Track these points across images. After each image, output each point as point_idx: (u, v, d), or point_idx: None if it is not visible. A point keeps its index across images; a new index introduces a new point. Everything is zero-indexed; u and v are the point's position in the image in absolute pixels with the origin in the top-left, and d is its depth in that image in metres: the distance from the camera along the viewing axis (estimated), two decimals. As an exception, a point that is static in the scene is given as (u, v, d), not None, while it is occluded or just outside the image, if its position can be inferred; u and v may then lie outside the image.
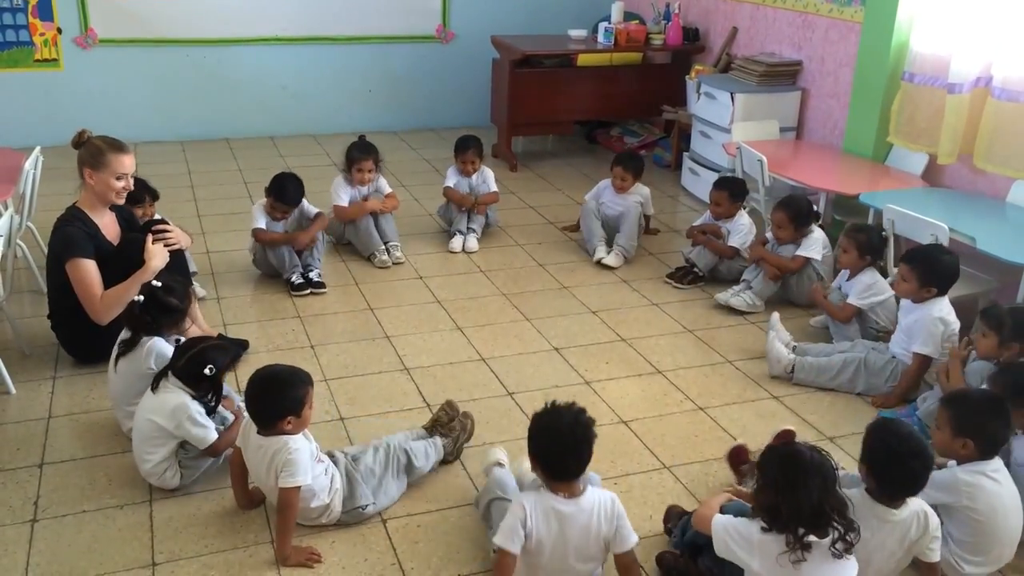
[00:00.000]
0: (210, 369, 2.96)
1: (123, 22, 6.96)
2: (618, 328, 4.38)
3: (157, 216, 4.34)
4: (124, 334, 3.23)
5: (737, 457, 3.16)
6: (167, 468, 2.99)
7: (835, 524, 2.22)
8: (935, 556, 2.52)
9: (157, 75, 7.19)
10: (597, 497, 2.47)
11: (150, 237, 3.69)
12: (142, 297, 3.17)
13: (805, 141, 6.02)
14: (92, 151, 3.63)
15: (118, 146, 3.67)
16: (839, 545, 2.23)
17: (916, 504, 2.50)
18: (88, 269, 3.55)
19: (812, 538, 2.22)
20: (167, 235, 3.78)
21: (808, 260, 4.50)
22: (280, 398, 2.71)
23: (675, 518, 2.86)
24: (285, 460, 2.68)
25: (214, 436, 2.98)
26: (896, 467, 2.46)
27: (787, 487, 2.21)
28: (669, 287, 4.84)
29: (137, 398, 3.10)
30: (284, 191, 4.64)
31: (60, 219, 3.67)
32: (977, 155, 4.62)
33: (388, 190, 5.27)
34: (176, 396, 2.95)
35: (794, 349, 3.98)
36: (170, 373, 2.99)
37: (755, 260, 4.59)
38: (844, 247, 4.09)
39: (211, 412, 3.06)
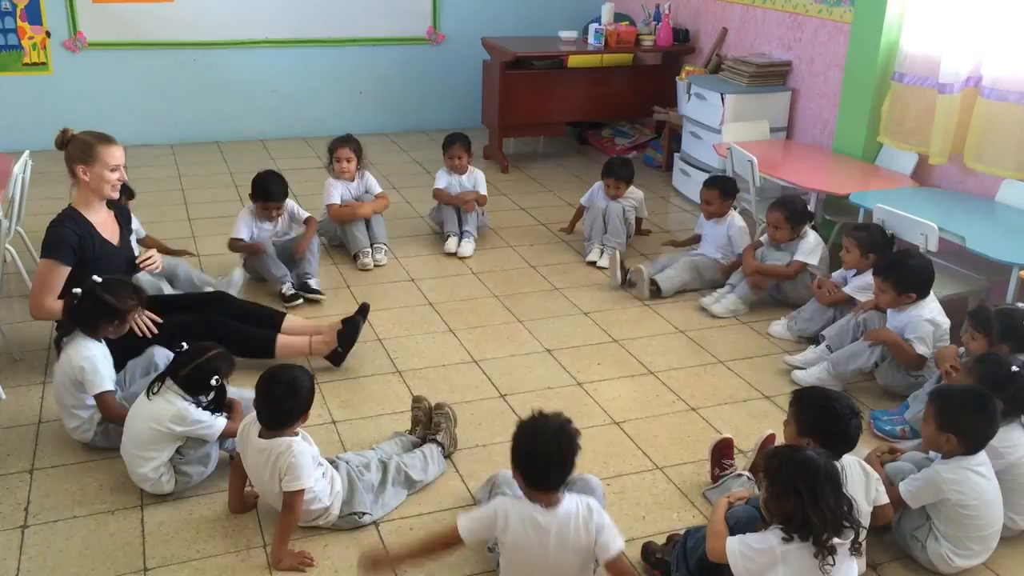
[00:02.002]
0: (216, 380, 2.99)
1: (112, 25, 6.94)
2: (610, 329, 4.38)
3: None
4: (62, 329, 3.22)
5: (721, 451, 3.14)
6: (163, 473, 2.98)
7: (851, 524, 2.25)
8: (884, 497, 2.65)
9: (146, 78, 7.18)
10: (574, 505, 2.43)
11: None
12: (79, 291, 3.16)
13: (795, 141, 6.04)
14: (81, 147, 3.59)
15: (106, 138, 3.65)
16: (856, 544, 2.27)
17: (847, 456, 2.61)
18: (55, 274, 3.49)
19: (836, 540, 2.22)
20: (149, 261, 3.83)
21: (805, 265, 4.50)
22: (301, 398, 2.75)
23: (656, 554, 2.77)
24: (288, 464, 2.68)
25: (222, 424, 3.02)
26: (841, 426, 2.57)
27: (811, 496, 2.19)
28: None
29: (71, 400, 3.15)
30: (268, 188, 4.68)
31: (54, 220, 3.63)
32: (967, 155, 4.64)
33: (378, 190, 5.31)
34: (174, 404, 2.93)
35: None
36: (168, 379, 2.97)
37: (751, 273, 4.53)
38: (847, 247, 4.10)
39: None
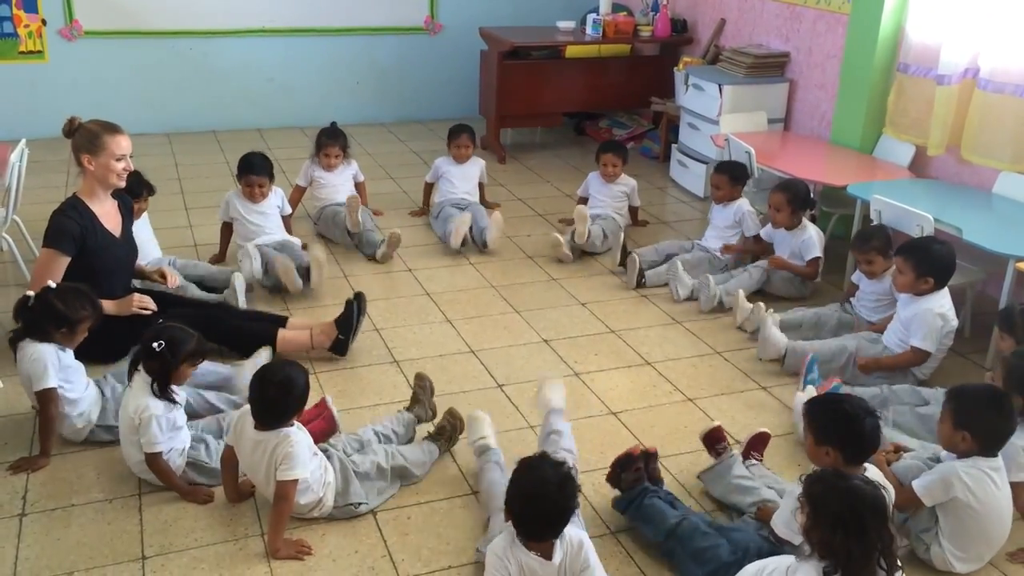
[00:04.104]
0: (159, 344, 2.89)
1: (108, 13, 6.91)
2: (607, 320, 4.38)
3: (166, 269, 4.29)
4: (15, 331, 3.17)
5: (712, 438, 3.12)
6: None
7: (889, 562, 2.09)
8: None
9: (143, 67, 7.15)
10: (568, 543, 2.38)
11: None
12: (32, 293, 3.13)
13: (793, 132, 6.04)
14: (87, 136, 3.57)
15: (113, 127, 3.63)
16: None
17: (869, 469, 2.58)
18: (55, 263, 3.50)
19: None
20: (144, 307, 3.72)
21: (819, 259, 4.52)
22: (298, 397, 2.76)
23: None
24: (285, 453, 2.68)
25: (158, 450, 2.90)
26: (855, 427, 2.54)
27: (856, 528, 2.05)
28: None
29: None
30: (250, 161, 4.73)
31: (57, 208, 3.62)
32: (964, 147, 4.65)
33: (362, 178, 5.43)
34: (143, 397, 2.90)
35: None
36: (140, 365, 2.95)
37: (779, 267, 4.54)
38: (868, 259, 4.01)
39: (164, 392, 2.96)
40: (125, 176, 3.68)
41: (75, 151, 3.60)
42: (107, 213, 3.70)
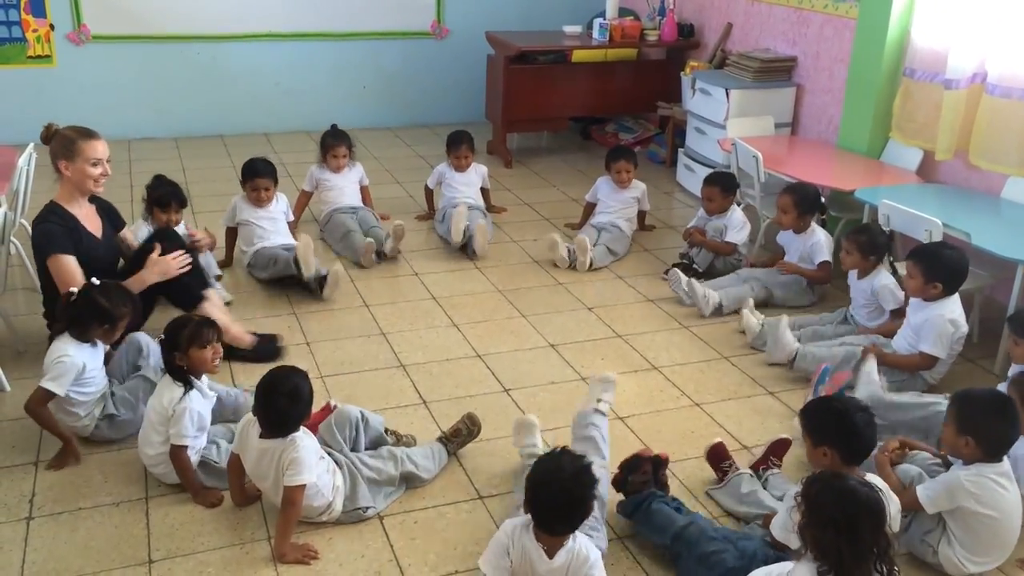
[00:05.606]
0: (158, 338, 3.00)
1: (116, 18, 6.94)
2: (614, 324, 4.38)
3: (183, 228, 4.33)
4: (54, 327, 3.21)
5: (716, 455, 3.13)
6: (166, 461, 2.98)
7: (886, 567, 2.09)
8: (895, 525, 2.55)
9: (151, 71, 7.17)
10: (574, 554, 2.38)
11: (158, 248, 3.68)
12: (75, 290, 3.17)
13: (800, 137, 6.03)
14: (63, 142, 3.59)
15: (88, 133, 3.64)
16: None
17: (872, 478, 2.56)
18: (68, 265, 3.51)
19: None
20: (181, 257, 3.72)
21: (829, 263, 4.51)
22: (305, 404, 2.76)
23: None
24: (292, 459, 2.69)
25: (186, 443, 2.93)
26: (847, 424, 2.55)
27: (848, 529, 2.04)
28: (665, 283, 4.83)
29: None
30: (255, 165, 4.77)
31: (37, 217, 3.63)
32: (972, 151, 4.64)
33: (367, 182, 5.45)
34: (178, 389, 2.95)
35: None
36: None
37: (790, 272, 4.56)
38: (847, 249, 4.07)
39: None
40: (103, 181, 3.68)
41: (52, 157, 3.61)
42: (87, 216, 3.72)
